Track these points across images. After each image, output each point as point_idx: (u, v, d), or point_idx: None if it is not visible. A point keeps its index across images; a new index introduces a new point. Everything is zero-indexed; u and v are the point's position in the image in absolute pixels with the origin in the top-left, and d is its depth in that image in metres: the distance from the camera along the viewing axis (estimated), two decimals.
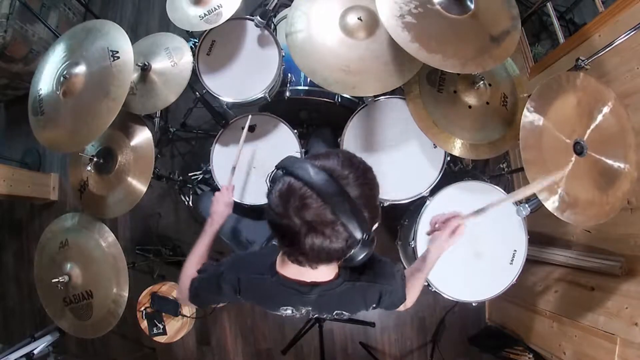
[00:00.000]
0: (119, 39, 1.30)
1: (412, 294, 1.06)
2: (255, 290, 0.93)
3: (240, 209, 1.51)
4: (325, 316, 0.98)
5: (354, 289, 0.88)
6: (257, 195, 1.54)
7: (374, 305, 0.96)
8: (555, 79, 1.21)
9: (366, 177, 0.68)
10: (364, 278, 0.90)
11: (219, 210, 1.23)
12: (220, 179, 1.57)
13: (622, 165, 1.25)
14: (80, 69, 1.31)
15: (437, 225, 1.11)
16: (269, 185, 0.70)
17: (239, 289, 0.93)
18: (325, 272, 0.85)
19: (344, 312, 0.96)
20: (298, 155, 1.53)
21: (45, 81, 1.38)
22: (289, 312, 0.94)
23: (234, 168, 1.39)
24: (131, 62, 1.26)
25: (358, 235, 0.65)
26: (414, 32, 1.16)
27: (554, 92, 1.21)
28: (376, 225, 0.72)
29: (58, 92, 1.32)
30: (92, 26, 1.37)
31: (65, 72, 1.31)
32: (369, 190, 0.68)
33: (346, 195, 0.63)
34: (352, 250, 0.68)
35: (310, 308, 0.93)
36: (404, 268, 1.08)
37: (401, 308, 1.05)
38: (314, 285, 0.84)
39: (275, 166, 0.70)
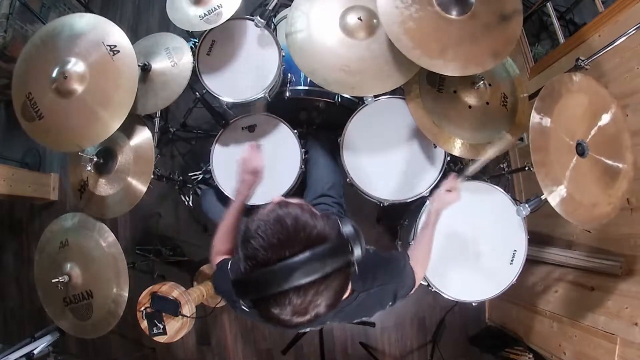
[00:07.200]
0: (110, 32, 1.30)
1: (419, 271, 1.03)
2: None
3: None
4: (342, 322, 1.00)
5: (369, 297, 0.88)
6: (257, 195, 1.53)
7: (390, 303, 0.95)
8: (552, 83, 1.21)
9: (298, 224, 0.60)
10: (377, 282, 0.89)
11: (245, 178, 1.07)
12: (220, 178, 1.57)
13: (620, 165, 1.25)
14: (79, 66, 1.30)
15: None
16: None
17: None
18: None
19: (362, 318, 0.97)
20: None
21: (36, 84, 1.35)
22: (307, 329, 0.95)
23: None
24: (132, 51, 1.26)
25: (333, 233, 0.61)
26: (415, 38, 1.17)
27: (556, 94, 1.21)
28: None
29: (57, 93, 1.31)
30: (73, 21, 1.35)
31: (63, 71, 1.30)
32: (309, 220, 0.61)
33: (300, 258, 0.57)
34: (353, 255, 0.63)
35: (329, 322, 0.94)
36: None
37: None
38: None
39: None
